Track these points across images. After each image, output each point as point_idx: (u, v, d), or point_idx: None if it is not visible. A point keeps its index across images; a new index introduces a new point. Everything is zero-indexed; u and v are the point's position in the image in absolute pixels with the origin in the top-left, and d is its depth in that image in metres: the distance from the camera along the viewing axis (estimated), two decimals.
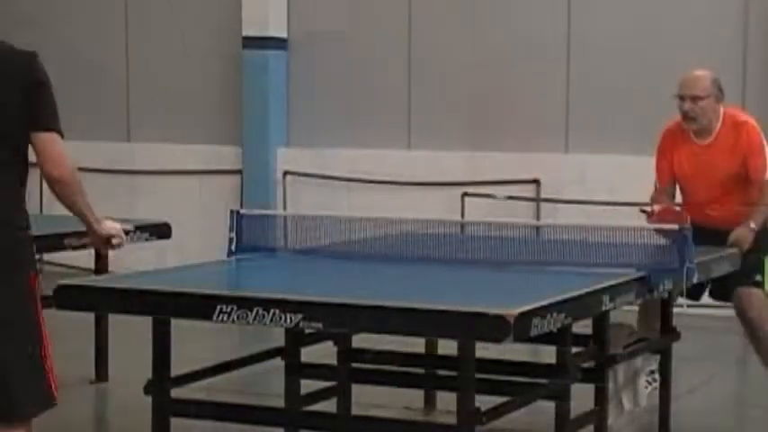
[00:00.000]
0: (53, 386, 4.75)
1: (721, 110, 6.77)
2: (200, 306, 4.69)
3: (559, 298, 4.67)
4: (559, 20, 10.86)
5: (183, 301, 4.78)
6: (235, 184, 12.02)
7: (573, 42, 10.79)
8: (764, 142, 6.78)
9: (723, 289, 6.66)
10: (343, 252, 5.94)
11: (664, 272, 5.50)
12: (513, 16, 11.10)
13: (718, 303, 10.01)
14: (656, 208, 6.67)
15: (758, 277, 6.59)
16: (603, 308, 5.12)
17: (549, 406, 5.43)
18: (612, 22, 10.65)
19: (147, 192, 12.23)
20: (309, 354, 5.94)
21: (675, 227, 5.87)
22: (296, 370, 5.82)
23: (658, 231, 5.79)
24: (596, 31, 10.70)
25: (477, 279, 5.51)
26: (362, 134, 11.61)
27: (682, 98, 6.68)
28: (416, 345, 6.19)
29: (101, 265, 7.62)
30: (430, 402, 6.77)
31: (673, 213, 6.62)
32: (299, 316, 4.48)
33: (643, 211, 6.84)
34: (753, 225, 6.63)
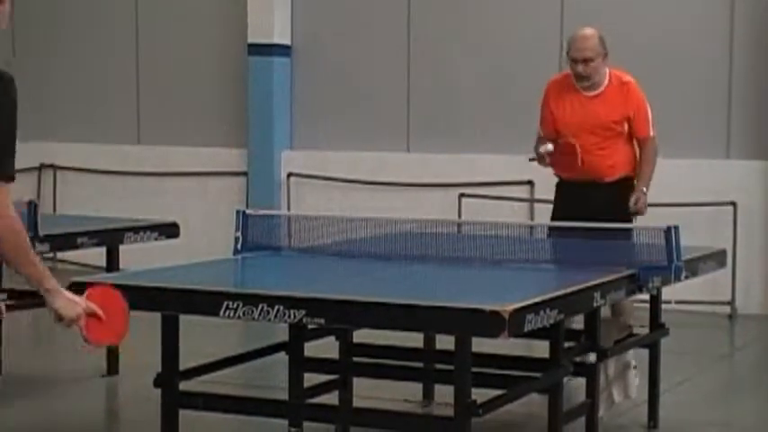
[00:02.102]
0: None
1: (607, 69, 6.96)
2: (208, 302, 4.69)
3: (552, 295, 4.67)
4: (552, 27, 10.86)
5: (191, 298, 4.78)
6: (240, 186, 12.03)
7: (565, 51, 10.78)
8: (647, 103, 6.97)
9: None
10: (345, 251, 5.94)
11: (652, 269, 5.50)
12: (507, 24, 11.10)
13: (705, 300, 10.08)
14: (548, 147, 6.89)
15: None
16: (595, 304, 5.13)
17: (543, 399, 5.44)
18: (605, 27, 10.62)
19: (156, 192, 12.23)
20: (312, 348, 5.94)
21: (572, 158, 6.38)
22: (299, 364, 5.82)
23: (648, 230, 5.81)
24: None
25: (473, 276, 5.51)
26: (363, 137, 11.61)
27: (574, 60, 6.89)
28: (415, 340, 6.19)
29: (112, 264, 7.62)
30: (428, 395, 6.77)
31: (568, 147, 6.85)
32: (303, 312, 4.48)
33: (531, 159, 6.98)
34: (645, 189, 6.88)
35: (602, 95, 6.94)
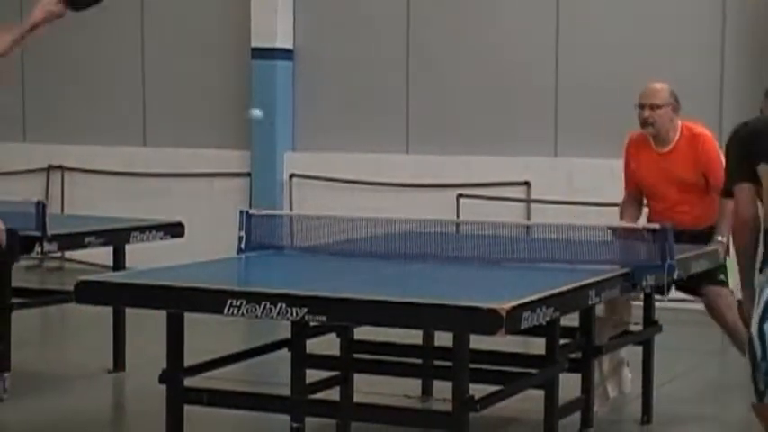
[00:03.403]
0: None
1: (679, 122, 6.84)
2: (212, 300, 4.69)
3: (548, 293, 4.67)
4: (548, 31, 10.86)
5: (196, 296, 4.78)
6: (244, 186, 12.02)
7: (561, 53, 10.79)
8: (720, 152, 6.80)
9: (691, 285, 6.64)
10: (346, 250, 5.94)
11: (646, 268, 5.50)
12: (505, 28, 11.10)
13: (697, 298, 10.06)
14: (621, 225, 6.66)
15: (722, 277, 6.62)
16: (590, 302, 5.13)
17: (539, 394, 5.43)
18: (600, 29, 10.64)
19: (161, 193, 12.22)
20: (314, 345, 5.94)
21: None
22: (301, 360, 5.81)
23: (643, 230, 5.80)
24: (584, 40, 10.70)
25: (471, 275, 5.51)
26: (364, 139, 11.61)
27: (642, 107, 6.78)
28: (414, 337, 6.19)
29: (118, 263, 7.62)
30: (427, 391, 6.77)
31: (633, 232, 6.69)
32: (305, 309, 4.48)
33: (610, 229, 6.87)
34: (720, 238, 6.65)
35: (674, 151, 6.78)
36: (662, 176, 6.81)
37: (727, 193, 5.00)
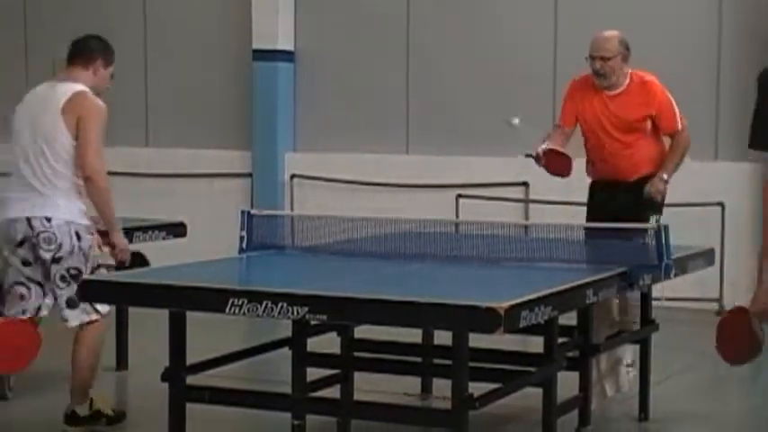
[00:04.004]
0: None
1: (628, 69, 6.89)
2: (214, 299, 4.69)
3: (546, 292, 4.67)
4: (546, 33, 10.87)
5: (198, 295, 4.78)
6: (245, 187, 12.02)
7: (559, 54, 10.79)
8: (671, 98, 6.88)
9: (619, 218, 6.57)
10: (346, 250, 5.94)
11: (643, 268, 5.50)
12: (503, 31, 11.11)
13: (693, 297, 10.08)
14: (542, 149, 6.77)
15: (652, 221, 6.56)
16: (587, 301, 5.13)
17: (537, 392, 5.43)
18: (598, 30, 10.63)
19: (164, 193, 12.22)
20: (315, 344, 5.94)
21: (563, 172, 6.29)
22: (302, 359, 5.82)
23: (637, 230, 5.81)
24: (582, 41, 10.65)
25: (470, 275, 5.51)
26: (364, 140, 11.61)
27: (592, 58, 6.84)
28: (414, 335, 6.19)
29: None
30: (427, 389, 6.77)
31: (559, 157, 6.77)
32: (305, 309, 4.48)
33: (528, 155, 6.90)
34: (665, 176, 6.76)
35: (623, 94, 6.84)
36: (607, 119, 6.84)
37: (760, 144, 4.85)
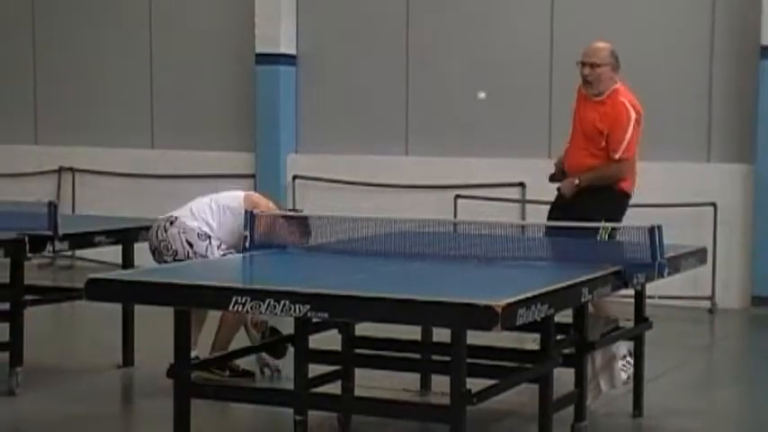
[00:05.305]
0: None
1: (617, 82, 7.03)
2: (218, 297, 4.68)
3: (543, 290, 4.67)
4: (542, 37, 10.86)
5: (202, 293, 4.78)
6: (248, 188, 11.98)
7: (556, 56, 10.78)
8: (629, 127, 6.95)
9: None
10: (347, 249, 5.94)
11: (637, 266, 5.50)
12: (501, 35, 11.09)
13: (686, 295, 10.08)
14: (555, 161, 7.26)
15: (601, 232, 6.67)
16: (583, 299, 5.12)
17: (534, 388, 5.43)
18: (595, 32, 10.58)
19: (168, 194, 12.19)
20: (316, 341, 5.94)
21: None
22: (304, 355, 5.81)
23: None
24: (579, 43, 10.65)
25: (468, 273, 5.51)
26: (364, 142, 11.61)
27: (582, 64, 7.01)
28: (413, 332, 6.19)
29: (127, 261, 7.62)
30: (425, 385, 6.76)
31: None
32: (307, 306, 4.48)
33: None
34: (577, 181, 6.98)
35: (599, 104, 7.00)
36: (580, 121, 7.06)
37: None
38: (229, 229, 6.81)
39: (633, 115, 6.94)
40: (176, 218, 6.93)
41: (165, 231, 6.88)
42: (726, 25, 10.31)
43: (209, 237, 6.83)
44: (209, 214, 6.91)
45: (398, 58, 11.48)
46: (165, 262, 6.79)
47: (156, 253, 6.90)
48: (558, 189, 7.14)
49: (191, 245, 6.79)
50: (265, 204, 6.80)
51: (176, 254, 6.79)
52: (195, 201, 7.11)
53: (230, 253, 6.70)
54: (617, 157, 6.95)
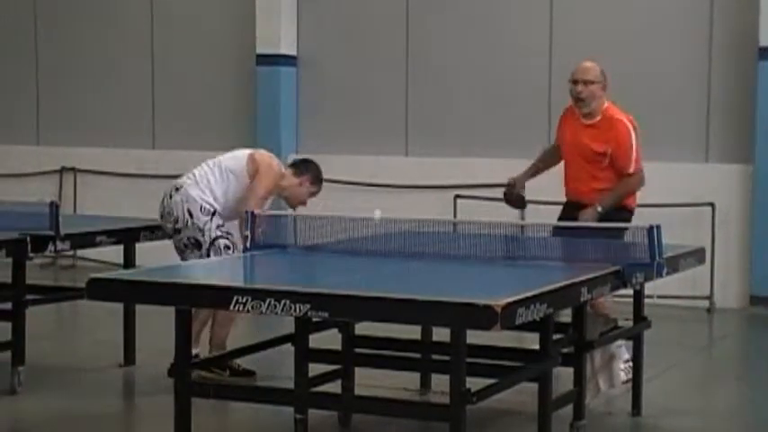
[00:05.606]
0: None
1: (606, 101, 7.05)
2: (219, 297, 4.69)
3: (542, 290, 4.67)
4: (542, 38, 10.86)
5: (203, 293, 4.78)
6: None
7: (555, 56, 10.78)
8: (633, 141, 6.98)
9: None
10: (347, 249, 5.94)
11: (636, 266, 5.50)
12: (501, 35, 11.10)
13: (685, 295, 10.08)
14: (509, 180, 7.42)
15: None
16: (582, 299, 5.12)
17: (533, 387, 5.44)
18: (593, 33, 10.63)
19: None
20: (316, 340, 5.94)
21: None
22: (304, 355, 5.82)
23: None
24: (578, 44, 10.69)
25: (467, 273, 5.51)
26: (364, 142, 11.61)
27: (575, 82, 7.01)
28: (413, 332, 6.19)
29: (128, 261, 7.62)
30: (425, 384, 6.77)
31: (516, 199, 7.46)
32: (308, 306, 4.48)
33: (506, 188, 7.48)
34: (599, 208, 6.88)
35: (593, 126, 6.99)
36: (576, 146, 7.03)
37: None
38: (235, 197, 6.91)
39: (632, 128, 6.97)
40: (181, 185, 7.02)
41: (170, 198, 6.99)
42: (724, 26, 10.31)
43: (213, 213, 6.88)
44: (214, 182, 6.99)
45: (398, 58, 11.48)
46: (168, 228, 6.97)
47: (162, 218, 7.06)
48: (580, 218, 6.89)
49: (191, 214, 6.89)
50: (267, 163, 6.94)
51: (177, 221, 6.93)
52: (200, 167, 7.16)
53: (224, 237, 6.79)
54: (630, 171, 6.95)
